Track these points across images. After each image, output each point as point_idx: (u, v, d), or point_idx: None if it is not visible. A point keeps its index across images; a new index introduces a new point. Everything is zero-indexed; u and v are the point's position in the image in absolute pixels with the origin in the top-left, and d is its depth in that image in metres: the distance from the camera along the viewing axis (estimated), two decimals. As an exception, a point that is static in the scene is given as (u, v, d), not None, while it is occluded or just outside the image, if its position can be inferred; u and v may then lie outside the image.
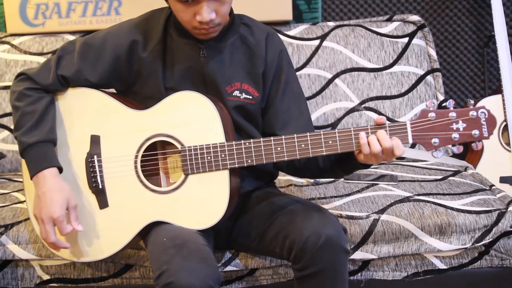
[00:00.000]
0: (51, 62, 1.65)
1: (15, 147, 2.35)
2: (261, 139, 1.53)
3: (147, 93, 1.65)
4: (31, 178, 1.57)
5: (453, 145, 1.46)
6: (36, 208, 1.56)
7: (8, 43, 2.47)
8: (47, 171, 1.56)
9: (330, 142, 1.49)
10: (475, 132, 1.43)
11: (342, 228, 1.53)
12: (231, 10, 1.66)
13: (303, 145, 1.51)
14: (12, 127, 2.35)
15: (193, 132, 1.56)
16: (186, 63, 1.63)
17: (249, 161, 1.54)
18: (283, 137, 1.51)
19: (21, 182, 1.68)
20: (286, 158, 1.52)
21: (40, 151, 1.57)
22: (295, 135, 1.51)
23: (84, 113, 1.63)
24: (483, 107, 1.44)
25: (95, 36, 1.67)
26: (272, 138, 1.52)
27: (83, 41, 1.66)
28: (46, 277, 1.84)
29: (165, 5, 1.62)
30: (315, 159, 1.63)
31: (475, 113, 1.43)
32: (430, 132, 1.45)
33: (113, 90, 1.73)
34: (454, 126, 1.44)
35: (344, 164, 1.59)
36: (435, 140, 1.45)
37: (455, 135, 1.44)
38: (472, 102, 1.46)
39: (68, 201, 1.56)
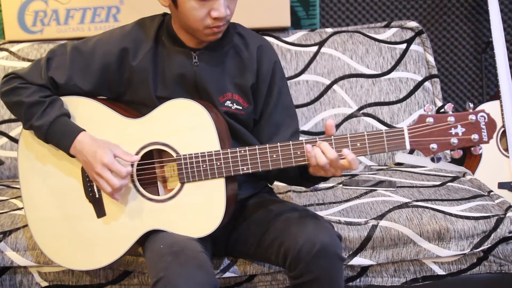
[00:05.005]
0: (40, 63, 1.64)
1: (13, 154, 2.34)
2: (257, 147, 1.52)
3: (139, 101, 1.64)
4: (69, 151, 1.57)
5: (452, 150, 1.42)
6: (89, 170, 1.56)
7: (6, 50, 2.47)
8: (79, 137, 1.56)
9: None
10: (475, 136, 1.39)
11: (337, 235, 1.52)
12: None
13: (298, 152, 1.49)
14: (10, 133, 2.36)
15: (188, 140, 1.55)
16: (178, 71, 1.62)
17: (245, 168, 1.53)
18: (278, 144, 1.50)
19: (19, 189, 1.67)
20: (282, 166, 1.51)
21: (63, 123, 1.58)
22: (290, 142, 1.49)
23: (79, 122, 1.61)
24: (483, 111, 1.40)
25: (85, 42, 1.66)
26: (267, 145, 1.51)
27: (73, 46, 1.65)
28: (44, 283, 1.83)
29: (161, 11, 1.62)
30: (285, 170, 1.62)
31: (474, 117, 1.39)
32: (428, 138, 1.41)
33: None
34: (453, 130, 1.40)
35: (306, 175, 1.57)
36: (433, 146, 1.41)
37: (454, 140, 1.40)
38: (472, 105, 1.41)
39: (109, 146, 1.55)
